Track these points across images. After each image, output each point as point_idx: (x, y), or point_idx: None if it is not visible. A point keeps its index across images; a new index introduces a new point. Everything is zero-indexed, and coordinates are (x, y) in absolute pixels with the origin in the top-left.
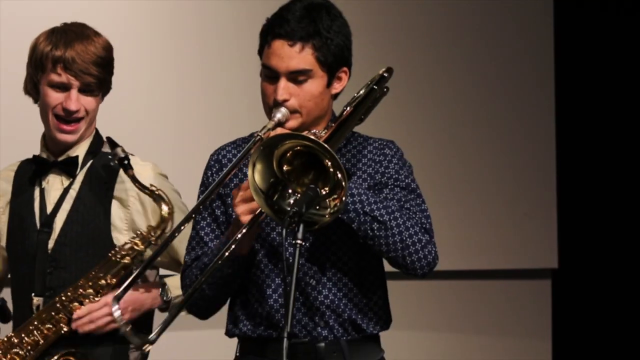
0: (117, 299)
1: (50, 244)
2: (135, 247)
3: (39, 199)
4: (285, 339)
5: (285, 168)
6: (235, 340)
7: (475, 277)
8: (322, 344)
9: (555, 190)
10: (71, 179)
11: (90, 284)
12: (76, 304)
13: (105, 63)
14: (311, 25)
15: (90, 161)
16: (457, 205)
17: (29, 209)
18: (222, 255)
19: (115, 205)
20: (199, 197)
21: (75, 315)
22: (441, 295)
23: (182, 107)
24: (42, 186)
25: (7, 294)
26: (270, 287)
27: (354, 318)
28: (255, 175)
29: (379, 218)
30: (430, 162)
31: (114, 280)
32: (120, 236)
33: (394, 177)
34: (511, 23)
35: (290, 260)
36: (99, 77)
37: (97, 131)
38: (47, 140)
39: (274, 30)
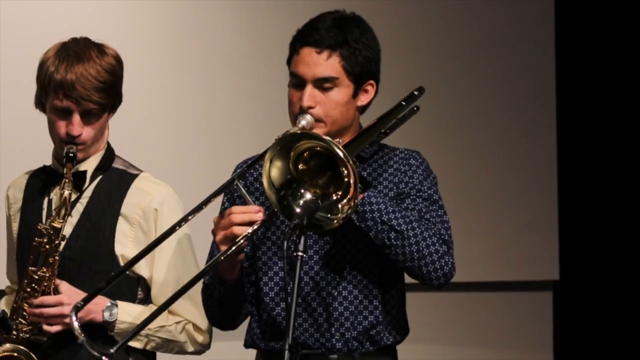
0: (77, 309)
1: None
2: (54, 224)
3: (47, 210)
4: (286, 351)
5: (300, 167)
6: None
7: (476, 289)
8: (335, 356)
9: (557, 202)
10: (78, 193)
11: (26, 281)
12: (25, 305)
13: (108, 87)
14: (340, 34)
15: (100, 176)
16: (458, 217)
17: (37, 219)
18: (198, 276)
19: (121, 222)
20: (223, 204)
21: (30, 301)
22: (442, 307)
23: (183, 113)
24: (50, 197)
25: None
26: (282, 299)
27: (370, 330)
28: (272, 170)
29: (396, 227)
30: None
31: (47, 270)
32: (125, 251)
33: (416, 187)
34: (512, 33)
35: (289, 267)
36: (101, 103)
37: (109, 146)
38: (56, 153)
39: (303, 38)
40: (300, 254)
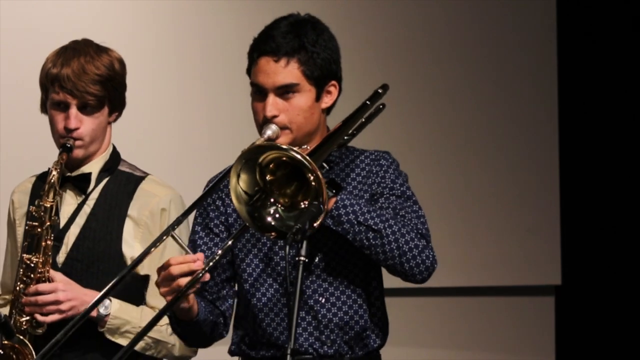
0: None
1: (62, 258)
2: (44, 204)
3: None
4: (288, 356)
5: (268, 178)
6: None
7: (478, 293)
8: None
9: (559, 206)
10: (84, 195)
11: (21, 270)
12: (22, 296)
13: (105, 80)
14: (296, 40)
15: (107, 178)
16: (460, 221)
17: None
18: (150, 325)
19: (128, 223)
20: (195, 218)
21: (26, 290)
22: (444, 311)
23: (184, 115)
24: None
25: None
26: (271, 308)
27: (360, 333)
28: (240, 183)
29: (373, 227)
30: (432, 177)
31: (40, 256)
32: (133, 252)
33: (389, 186)
34: (514, 37)
35: (291, 276)
36: (97, 95)
37: (114, 149)
38: None
39: (259, 47)
40: (302, 259)
